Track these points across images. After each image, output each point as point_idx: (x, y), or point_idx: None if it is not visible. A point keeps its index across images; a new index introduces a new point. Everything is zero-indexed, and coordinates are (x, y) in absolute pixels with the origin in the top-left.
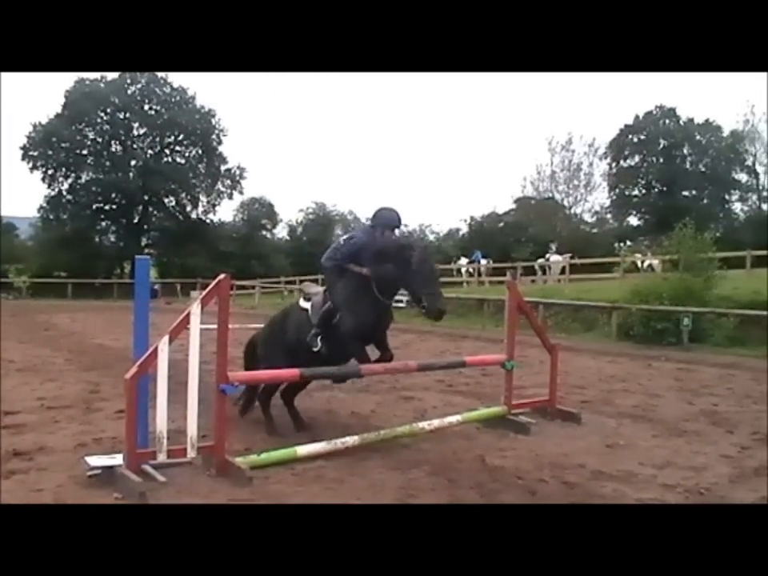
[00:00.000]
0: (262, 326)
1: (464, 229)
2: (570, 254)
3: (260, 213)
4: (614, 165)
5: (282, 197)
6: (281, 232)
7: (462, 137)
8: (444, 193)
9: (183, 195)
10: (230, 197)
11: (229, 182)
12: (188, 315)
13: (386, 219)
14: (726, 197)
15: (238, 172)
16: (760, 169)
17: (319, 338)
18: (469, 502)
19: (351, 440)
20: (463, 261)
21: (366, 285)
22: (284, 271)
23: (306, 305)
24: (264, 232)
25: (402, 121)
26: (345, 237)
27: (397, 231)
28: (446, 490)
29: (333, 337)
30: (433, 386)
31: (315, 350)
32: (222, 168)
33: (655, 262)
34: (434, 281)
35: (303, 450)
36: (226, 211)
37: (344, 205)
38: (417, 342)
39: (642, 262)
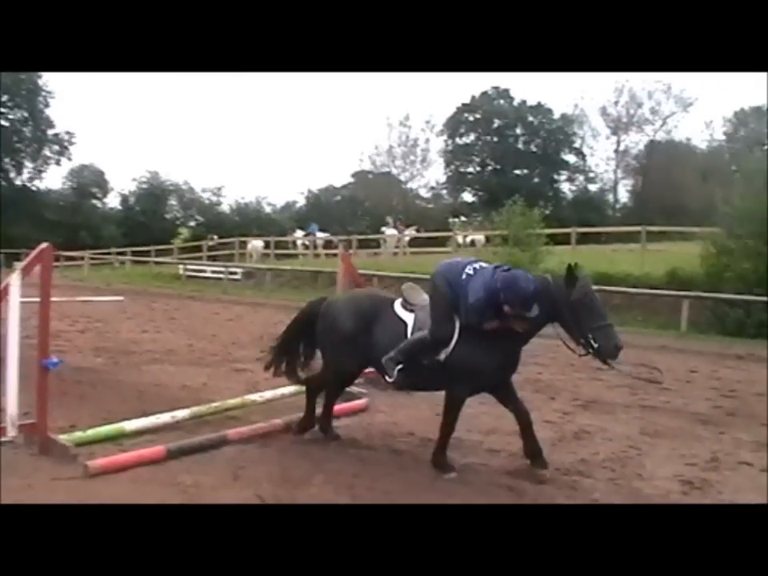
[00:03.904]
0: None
1: (301, 201)
2: (416, 228)
3: (90, 181)
4: (449, 142)
5: (113, 164)
6: (112, 201)
7: (300, 109)
8: (281, 165)
9: (6, 160)
10: (58, 163)
11: (56, 147)
12: (7, 287)
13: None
14: (555, 176)
15: (66, 137)
16: (587, 151)
17: (398, 368)
18: (298, 472)
19: (181, 414)
20: (299, 233)
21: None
22: (115, 242)
23: (406, 316)
24: (94, 201)
25: (240, 91)
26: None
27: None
28: (275, 461)
29: (419, 371)
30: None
31: (390, 380)
32: (49, 132)
33: (477, 237)
34: (602, 313)
35: (131, 425)
36: (54, 178)
37: (178, 175)
38: (250, 314)
39: (464, 238)
